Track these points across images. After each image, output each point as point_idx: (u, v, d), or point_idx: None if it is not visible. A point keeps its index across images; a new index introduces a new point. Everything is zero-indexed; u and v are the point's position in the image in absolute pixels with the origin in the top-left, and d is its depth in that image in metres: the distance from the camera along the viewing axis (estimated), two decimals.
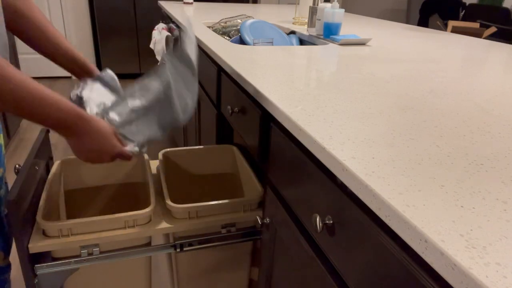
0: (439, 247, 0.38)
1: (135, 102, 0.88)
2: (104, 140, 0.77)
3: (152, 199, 0.94)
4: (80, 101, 0.86)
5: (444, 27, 3.19)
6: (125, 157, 0.83)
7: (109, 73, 0.95)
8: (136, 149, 0.83)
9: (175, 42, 2.12)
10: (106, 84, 0.93)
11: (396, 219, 0.43)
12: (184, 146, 2.19)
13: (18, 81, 0.63)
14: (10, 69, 0.62)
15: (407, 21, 5.27)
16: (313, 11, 1.65)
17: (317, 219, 0.60)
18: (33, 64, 3.90)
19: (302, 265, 0.73)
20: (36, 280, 0.85)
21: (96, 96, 0.87)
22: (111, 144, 0.79)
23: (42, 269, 0.85)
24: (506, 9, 3.65)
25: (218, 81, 1.24)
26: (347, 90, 0.86)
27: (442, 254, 0.37)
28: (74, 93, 0.88)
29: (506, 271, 0.35)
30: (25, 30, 0.86)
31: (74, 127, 0.72)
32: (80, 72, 0.93)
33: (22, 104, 0.64)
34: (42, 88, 0.66)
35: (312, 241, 0.69)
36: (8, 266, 0.88)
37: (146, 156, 1.13)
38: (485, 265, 0.35)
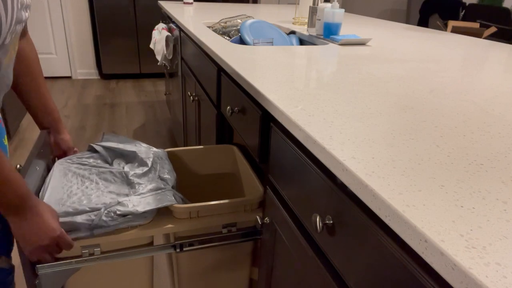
0: (439, 247, 0.38)
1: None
2: (42, 223, 0.75)
3: None
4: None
5: (444, 27, 3.19)
6: (64, 243, 0.80)
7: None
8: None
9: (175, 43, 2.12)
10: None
11: (396, 219, 0.43)
12: (184, 146, 2.19)
13: None
14: None
15: (407, 21, 5.27)
16: (313, 11, 1.66)
17: (317, 219, 0.60)
18: None
19: (302, 265, 0.73)
20: (37, 280, 0.85)
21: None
22: (51, 226, 0.77)
23: (43, 269, 0.85)
24: (506, 9, 3.65)
25: (218, 81, 1.24)
26: (347, 90, 0.86)
27: (442, 254, 0.37)
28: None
29: (506, 271, 0.35)
30: (19, 75, 0.91)
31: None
32: (49, 127, 1.01)
33: None
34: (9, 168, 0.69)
35: (312, 241, 0.69)
36: (12, 268, 0.89)
37: None
38: (485, 265, 0.36)
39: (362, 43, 1.46)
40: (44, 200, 0.86)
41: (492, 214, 0.43)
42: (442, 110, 0.76)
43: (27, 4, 0.74)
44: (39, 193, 0.93)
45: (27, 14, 0.74)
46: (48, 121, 0.99)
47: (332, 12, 1.48)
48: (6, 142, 0.87)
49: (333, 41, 1.47)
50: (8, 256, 0.87)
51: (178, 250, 0.97)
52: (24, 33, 0.90)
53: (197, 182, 1.28)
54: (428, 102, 0.81)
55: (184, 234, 0.98)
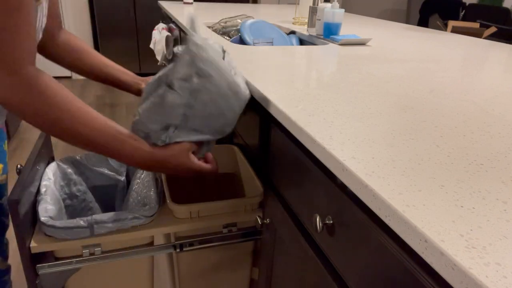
0: (439, 247, 0.38)
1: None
2: (175, 167, 0.75)
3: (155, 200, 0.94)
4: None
5: (444, 27, 3.19)
6: (206, 172, 0.80)
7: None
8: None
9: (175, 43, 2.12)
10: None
11: (396, 219, 0.43)
12: None
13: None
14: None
15: (407, 21, 5.27)
16: (313, 11, 1.65)
17: (317, 219, 0.60)
18: None
19: (302, 265, 0.73)
20: (38, 280, 0.85)
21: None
22: (186, 167, 0.76)
23: (44, 269, 0.85)
24: (506, 9, 3.65)
25: None
26: (347, 90, 0.86)
27: (442, 254, 0.37)
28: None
29: (506, 271, 0.35)
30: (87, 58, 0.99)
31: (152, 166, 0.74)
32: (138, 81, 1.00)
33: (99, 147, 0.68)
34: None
35: (312, 241, 0.70)
36: (8, 269, 0.89)
37: None
38: (485, 265, 0.36)
39: (362, 43, 1.46)
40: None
41: (492, 214, 0.43)
42: (442, 110, 0.76)
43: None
44: (39, 193, 0.94)
45: (45, 19, 0.76)
46: (132, 78, 1.00)
47: (332, 12, 1.48)
48: (6, 147, 0.88)
49: (333, 41, 1.47)
50: (5, 259, 0.87)
51: (178, 250, 0.97)
52: (60, 27, 0.94)
53: (198, 182, 1.28)
54: (428, 102, 0.81)
55: (185, 234, 0.98)
